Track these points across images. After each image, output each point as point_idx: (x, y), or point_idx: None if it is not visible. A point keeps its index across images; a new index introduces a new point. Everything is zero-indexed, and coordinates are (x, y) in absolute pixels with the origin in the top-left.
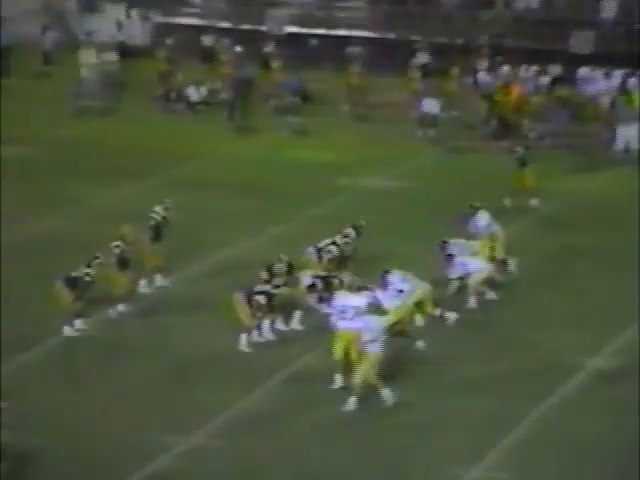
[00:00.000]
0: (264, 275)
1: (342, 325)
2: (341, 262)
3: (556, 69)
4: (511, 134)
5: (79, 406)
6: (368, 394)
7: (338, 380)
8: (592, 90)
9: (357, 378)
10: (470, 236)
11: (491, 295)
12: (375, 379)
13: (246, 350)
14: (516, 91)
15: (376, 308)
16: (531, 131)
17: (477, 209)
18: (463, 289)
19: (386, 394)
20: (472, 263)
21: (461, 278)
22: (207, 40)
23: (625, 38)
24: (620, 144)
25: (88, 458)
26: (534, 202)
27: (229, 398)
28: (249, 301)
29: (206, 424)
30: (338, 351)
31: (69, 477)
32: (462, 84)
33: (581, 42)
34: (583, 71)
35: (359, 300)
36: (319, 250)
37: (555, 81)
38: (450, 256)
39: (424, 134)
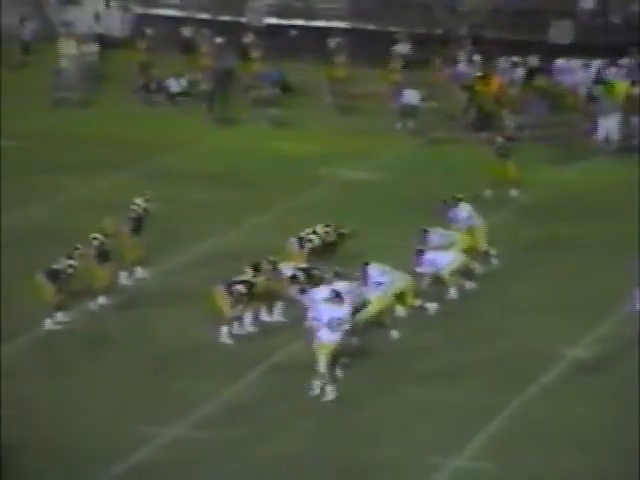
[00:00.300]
0: (249, 272)
1: None
2: (322, 252)
3: (533, 60)
4: (491, 125)
5: (60, 399)
6: (349, 384)
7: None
8: (570, 80)
9: (321, 368)
10: (449, 227)
11: (470, 285)
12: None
13: (227, 342)
14: (495, 82)
15: (359, 298)
16: (509, 122)
17: (459, 200)
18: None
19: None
20: (441, 257)
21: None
22: (187, 31)
23: (604, 29)
24: (601, 134)
25: (70, 450)
26: (514, 193)
27: (211, 389)
28: (230, 292)
29: (188, 415)
30: None
31: (50, 469)
32: (442, 75)
33: (560, 32)
34: (561, 61)
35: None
36: (300, 240)
37: (532, 72)
38: (420, 251)
39: (404, 125)
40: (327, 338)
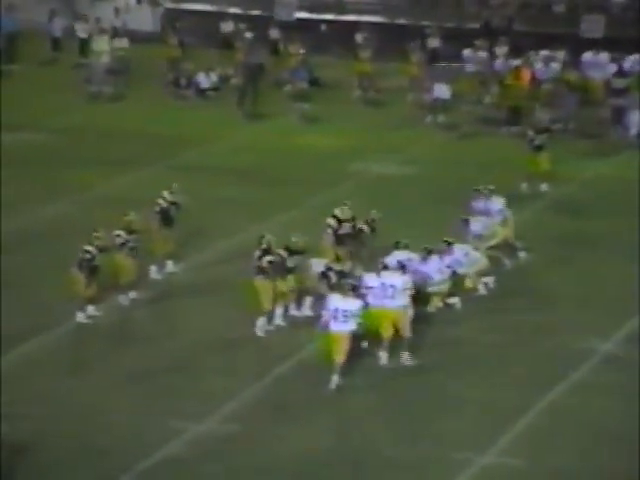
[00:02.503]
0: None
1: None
2: (354, 251)
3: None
4: (522, 119)
5: (89, 393)
6: (376, 379)
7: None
8: (601, 75)
9: (336, 359)
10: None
11: (491, 282)
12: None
13: (260, 335)
14: (527, 76)
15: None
16: (542, 115)
17: (492, 192)
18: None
19: (334, 379)
20: (467, 258)
21: (455, 273)
22: (226, 26)
23: (635, 23)
24: (633, 129)
25: (97, 444)
26: (544, 187)
27: (239, 384)
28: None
29: (216, 410)
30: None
31: (78, 463)
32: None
33: (592, 26)
34: (589, 55)
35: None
36: (335, 233)
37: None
38: (448, 243)
39: (434, 119)
40: (335, 328)
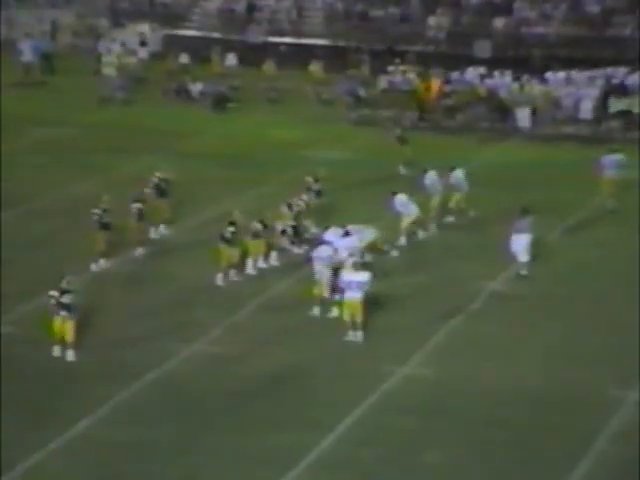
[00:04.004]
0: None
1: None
2: (307, 211)
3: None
4: (429, 120)
5: (107, 321)
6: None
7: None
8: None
9: (344, 317)
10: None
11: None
12: (348, 320)
13: (219, 284)
14: (435, 87)
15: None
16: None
17: (395, 193)
18: None
19: (351, 335)
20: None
21: None
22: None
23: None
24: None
25: (118, 359)
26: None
27: (221, 315)
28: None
29: (204, 334)
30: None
31: (105, 375)
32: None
33: (482, 48)
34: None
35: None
36: (290, 205)
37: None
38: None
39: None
40: (348, 296)
